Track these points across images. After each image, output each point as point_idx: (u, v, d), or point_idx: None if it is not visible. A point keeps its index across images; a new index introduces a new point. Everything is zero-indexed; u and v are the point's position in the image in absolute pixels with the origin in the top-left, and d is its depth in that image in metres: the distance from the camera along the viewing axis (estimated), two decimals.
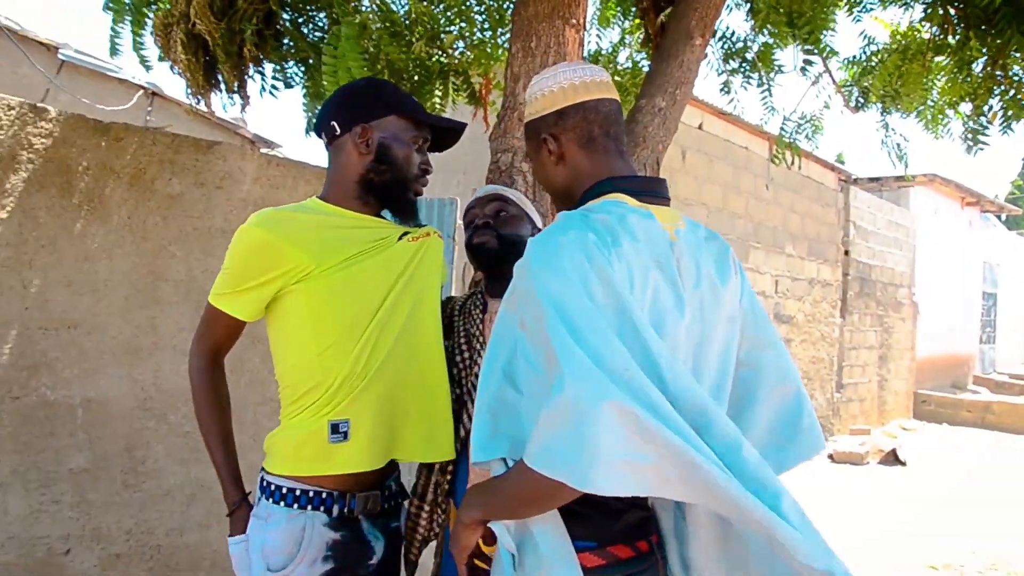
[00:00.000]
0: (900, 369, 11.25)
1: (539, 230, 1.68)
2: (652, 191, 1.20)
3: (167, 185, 2.87)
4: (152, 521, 2.87)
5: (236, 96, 3.07)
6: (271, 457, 1.47)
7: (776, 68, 3.17)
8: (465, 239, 1.70)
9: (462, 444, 1.55)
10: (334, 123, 1.50)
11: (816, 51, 2.94)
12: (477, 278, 2.09)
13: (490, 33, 3.60)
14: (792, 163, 4.55)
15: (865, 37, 3.52)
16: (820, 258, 9.26)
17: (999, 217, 17.57)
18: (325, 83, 2.80)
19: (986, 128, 3.10)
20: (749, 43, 3.04)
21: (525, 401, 1.04)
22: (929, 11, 2.97)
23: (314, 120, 3.77)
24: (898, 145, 4.04)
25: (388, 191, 1.49)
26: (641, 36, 3.67)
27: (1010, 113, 2.89)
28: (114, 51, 2.83)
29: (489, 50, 3.56)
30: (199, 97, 3.05)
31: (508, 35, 3.78)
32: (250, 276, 1.40)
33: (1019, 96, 2.86)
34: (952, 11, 2.58)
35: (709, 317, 1.15)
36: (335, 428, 1.41)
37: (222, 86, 3.06)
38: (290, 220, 1.42)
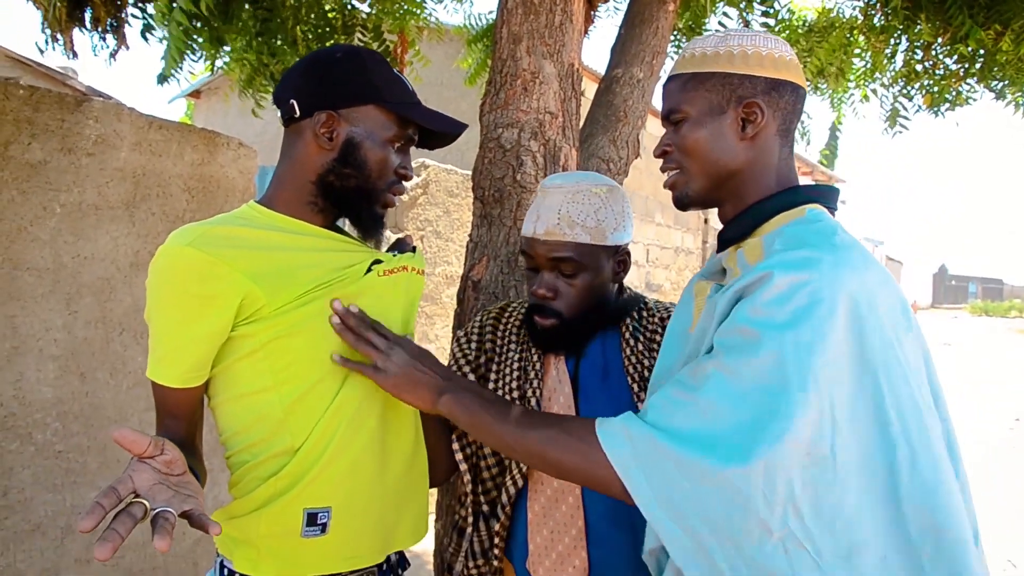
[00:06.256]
0: None
1: (623, 249, 1.28)
2: (835, 205, 0.99)
3: (26, 151, 2.27)
4: (20, 564, 2.33)
5: (109, 37, 2.48)
6: (225, 543, 1.13)
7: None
8: (525, 311, 1.32)
9: (509, 499, 1.27)
10: (293, 101, 1.12)
11: (771, 12, 2.88)
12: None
13: None
14: None
15: (789, 11, 3.52)
16: (684, 227, 9.59)
17: None
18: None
19: (907, 110, 3.20)
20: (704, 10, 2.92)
21: None
22: None
23: (175, 70, 3.15)
24: (802, 123, 4.16)
25: (350, 200, 1.15)
26: None
27: (936, 98, 2.96)
28: None
29: (405, 5, 3.15)
30: (57, 36, 2.43)
31: None
32: (187, 311, 1.02)
33: (945, 83, 2.94)
34: None
35: None
36: (312, 519, 1.08)
37: (88, 24, 2.46)
38: (228, 238, 1.05)
